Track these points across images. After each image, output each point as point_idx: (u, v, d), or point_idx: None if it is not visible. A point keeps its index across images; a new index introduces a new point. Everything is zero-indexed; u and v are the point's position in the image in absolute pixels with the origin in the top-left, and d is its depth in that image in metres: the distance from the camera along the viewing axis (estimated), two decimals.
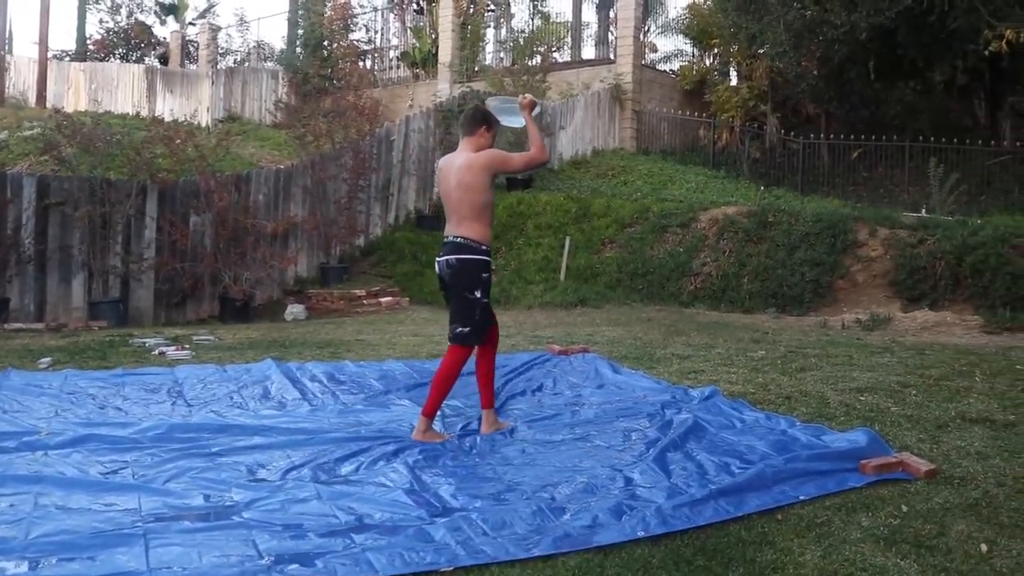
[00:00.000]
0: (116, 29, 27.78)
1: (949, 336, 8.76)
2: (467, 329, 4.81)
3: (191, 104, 21.66)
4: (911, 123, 17.09)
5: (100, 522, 3.41)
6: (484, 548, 3.20)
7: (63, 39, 62.01)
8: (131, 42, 27.65)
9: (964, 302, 10.09)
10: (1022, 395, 5.52)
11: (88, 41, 27.90)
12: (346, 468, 4.26)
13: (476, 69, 20.83)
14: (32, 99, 22.47)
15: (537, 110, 5.06)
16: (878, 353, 7.25)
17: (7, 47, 29.41)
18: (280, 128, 19.55)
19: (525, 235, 13.73)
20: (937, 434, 4.64)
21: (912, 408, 5.20)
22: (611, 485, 3.92)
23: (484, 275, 4.80)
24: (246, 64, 25.38)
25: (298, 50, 22.55)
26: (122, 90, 22.95)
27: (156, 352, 7.67)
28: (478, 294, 4.78)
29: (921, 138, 15.61)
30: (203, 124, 19.81)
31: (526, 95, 5.18)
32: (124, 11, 28.07)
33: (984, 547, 3.24)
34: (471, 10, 21.99)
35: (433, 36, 22.38)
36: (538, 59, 20.99)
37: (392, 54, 24.46)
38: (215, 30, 26.05)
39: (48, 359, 7.09)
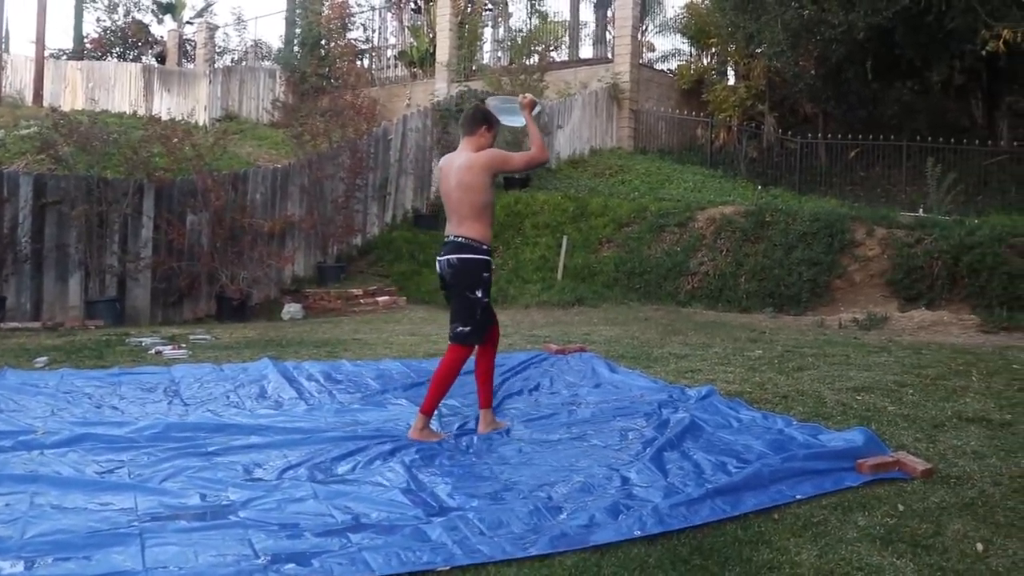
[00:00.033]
0: (113, 28, 27.74)
1: (946, 336, 8.77)
2: (468, 328, 4.81)
3: (188, 103, 21.64)
4: (908, 123, 17.11)
5: (96, 521, 3.41)
6: (481, 547, 3.20)
7: (60, 38, 61.92)
8: (128, 41, 27.61)
9: (961, 302, 10.10)
10: (1018, 394, 5.53)
11: (85, 40, 27.86)
12: (343, 467, 4.25)
13: (474, 68, 20.83)
14: (29, 98, 22.46)
15: (537, 110, 5.06)
16: (875, 352, 7.25)
17: (4, 46, 29.40)
18: (277, 127, 19.56)
19: (522, 234, 13.73)
20: (933, 433, 4.65)
21: (909, 407, 5.21)
22: (608, 484, 3.92)
23: (485, 274, 4.81)
24: (243, 63, 25.35)
25: (296, 49, 22.55)
26: (119, 89, 22.93)
27: (153, 351, 7.65)
28: (479, 293, 4.78)
29: (918, 138, 15.62)
30: (200, 123, 19.79)
31: (526, 95, 5.18)
32: (121, 10, 28.06)
33: (980, 546, 3.25)
34: (469, 9, 21.99)
35: (431, 35, 22.39)
36: (536, 58, 20.98)
37: (390, 53, 24.46)
38: (212, 29, 26.02)
39: (44, 358, 7.08)
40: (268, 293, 12.30)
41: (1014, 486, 3.84)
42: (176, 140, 12.10)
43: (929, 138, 15.37)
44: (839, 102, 17.87)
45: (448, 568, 3.06)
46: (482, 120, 4.95)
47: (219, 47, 26.12)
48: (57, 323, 9.78)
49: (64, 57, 26.96)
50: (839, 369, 6.43)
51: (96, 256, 10.61)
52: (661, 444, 4.41)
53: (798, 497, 3.74)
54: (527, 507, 3.62)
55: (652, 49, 23.45)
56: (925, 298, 10.30)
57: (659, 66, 22.50)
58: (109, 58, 26.48)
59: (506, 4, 24.52)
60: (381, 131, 14.92)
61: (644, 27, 22.10)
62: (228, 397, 5.80)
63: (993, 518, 3.51)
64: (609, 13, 23.52)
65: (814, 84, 17.70)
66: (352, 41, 23.73)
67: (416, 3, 24.54)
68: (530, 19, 24.60)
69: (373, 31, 24.97)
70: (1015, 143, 16.14)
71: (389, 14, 24.96)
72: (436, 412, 5.00)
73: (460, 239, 4.79)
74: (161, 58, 27.14)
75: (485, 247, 4.81)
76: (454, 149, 5.13)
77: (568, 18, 24.73)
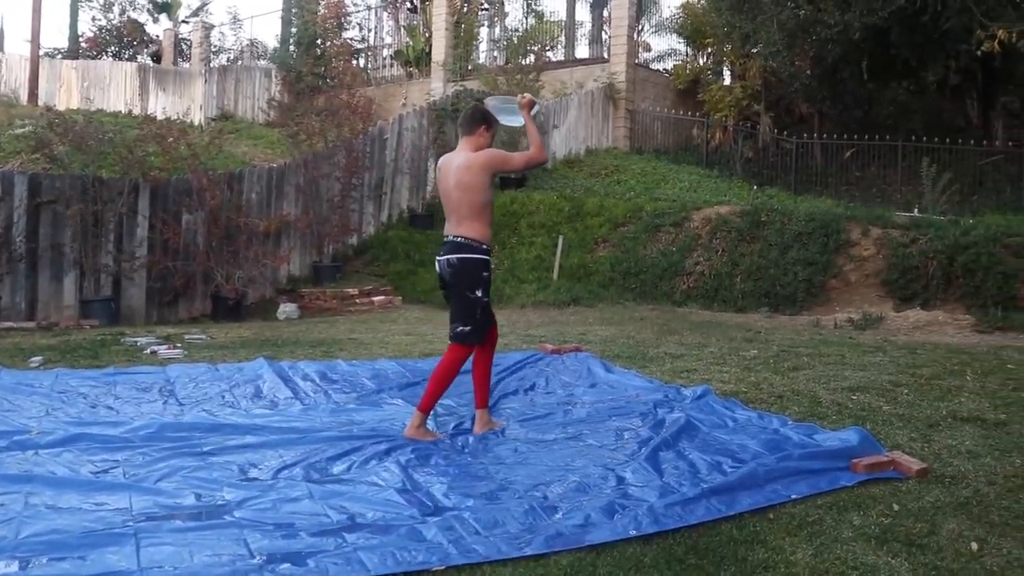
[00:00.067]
0: (109, 27, 27.67)
1: (941, 335, 8.79)
2: (468, 328, 4.82)
3: (184, 102, 21.61)
4: (904, 123, 17.14)
5: (91, 521, 3.40)
6: (476, 547, 3.20)
7: (55, 36, 61.93)
8: (124, 40, 27.54)
9: (956, 301, 10.12)
10: (1013, 394, 5.54)
11: (80, 39, 27.79)
12: (338, 467, 4.25)
13: (470, 68, 20.82)
14: (24, 97, 22.39)
15: (536, 109, 5.07)
16: (870, 352, 7.26)
17: None
18: (273, 126, 19.53)
19: (518, 234, 13.73)
20: (928, 433, 4.66)
21: (904, 407, 5.22)
22: (603, 484, 3.92)
23: (484, 274, 4.82)
24: (239, 62, 25.32)
25: (291, 48, 22.53)
26: (114, 88, 22.87)
27: (148, 351, 7.64)
28: (479, 293, 4.79)
29: (914, 138, 15.64)
30: (196, 122, 19.76)
31: (525, 95, 5.19)
32: (117, 9, 27.98)
33: (975, 545, 3.26)
34: (465, 9, 21.96)
35: (427, 35, 22.37)
36: (532, 58, 21.00)
37: (385, 53, 24.44)
38: (208, 28, 25.98)
39: (39, 358, 7.06)
40: (264, 293, 12.29)
41: (1008, 485, 3.85)
42: (171, 139, 12.08)
43: (924, 138, 15.39)
44: (835, 102, 17.90)
45: (443, 568, 3.06)
46: (481, 120, 4.96)
47: (215, 46, 26.09)
48: (52, 323, 9.76)
49: (59, 56, 26.88)
50: (834, 369, 6.44)
51: (91, 255, 10.60)
52: (657, 444, 4.41)
53: (793, 497, 3.75)
54: (523, 507, 3.62)
55: (648, 49, 23.48)
56: (920, 298, 10.32)
57: (655, 66, 22.52)
58: (104, 57, 26.41)
59: (502, 4, 24.50)
60: (377, 130, 14.91)
61: (640, 27, 22.12)
62: (223, 397, 5.79)
63: (988, 517, 3.51)
64: (605, 13, 23.54)
65: (810, 84, 17.72)
66: (348, 40, 23.70)
67: (412, 2, 24.51)
68: (526, 19, 24.62)
69: (369, 30, 24.97)
70: (1010, 143, 16.18)
71: (385, 13, 24.94)
72: (432, 412, 5.00)
73: (459, 239, 4.80)
74: (156, 57, 27.08)
75: (484, 247, 4.81)
76: (450, 149, 5.14)
77: (564, 18, 24.74)
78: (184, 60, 26.44)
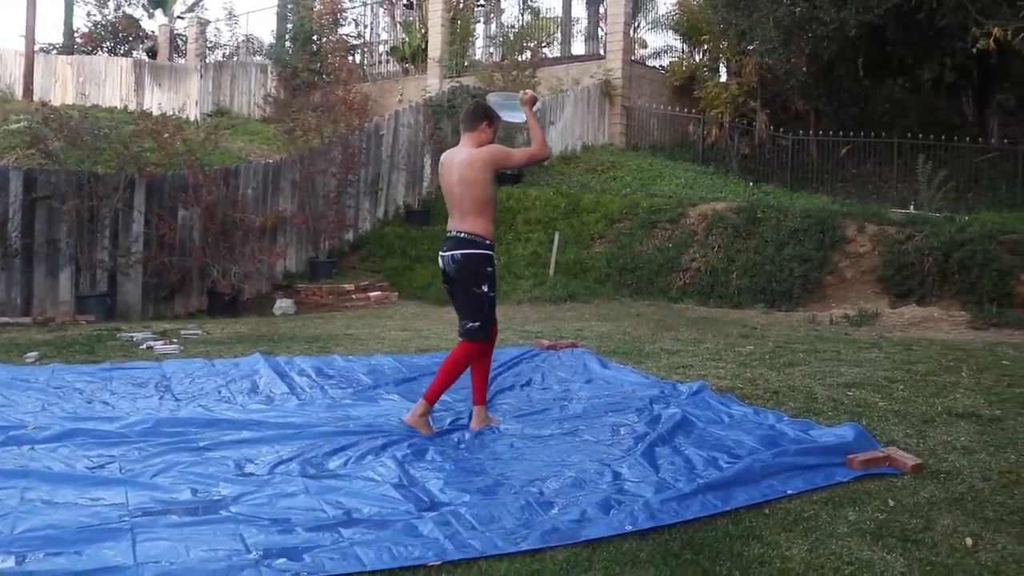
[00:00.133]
0: (104, 22, 27.60)
1: (936, 332, 8.81)
2: (477, 324, 4.84)
3: (179, 98, 21.55)
4: (900, 120, 17.15)
5: (87, 517, 3.40)
6: (472, 542, 3.20)
7: (50, 32, 61.72)
8: (119, 35, 27.47)
9: (951, 298, 10.14)
10: (1008, 390, 5.56)
11: (75, 34, 27.70)
12: (334, 462, 4.25)
13: (466, 64, 20.80)
14: (19, 92, 22.33)
15: (538, 106, 5.09)
16: (866, 348, 7.28)
17: None
18: (269, 122, 19.50)
19: (515, 230, 13.73)
20: (924, 429, 4.67)
21: (899, 403, 5.23)
22: (599, 479, 3.92)
23: (489, 269, 4.83)
24: (235, 58, 25.27)
25: (287, 44, 22.47)
26: (110, 84, 22.82)
27: (144, 346, 7.63)
28: (485, 288, 4.81)
29: (909, 135, 15.66)
30: (192, 118, 19.72)
31: (527, 91, 5.21)
32: (112, 4, 27.91)
33: (969, 541, 3.27)
34: (461, 5, 21.93)
35: (423, 31, 22.34)
36: (528, 54, 20.96)
37: (382, 49, 24.39)
38: (204, 24, 25.92)
39: (35, 353, 7.05)
40: (259, 288, 12.28)
41: (1003, 481, 3.87)
42: (167, 135, 12.05)
43: (920, 135, 15.40)
44: (831, 99, 17.91)
45: (439, 563, 3.06)
46: (483, 116, 4.97)
47: (210, 42, 26.03)
48: (48, 318, 9.74)
49: (54, 51, 26.79)
50: (830, 365, 6.45)
51: (87, 251, 10.57)
52: (652, 439, 4.41)
53: (789, 492, 3.75)
54: (519, 502, 3.62)
55: (644, 46, 23.47)
56: (916, 294, 10.34)
57: (651, 63, 22.52)
58: (99, 52, 26.35)
59: (498, 0, 24.49)
60: (373, 127, 14.90)
61: (636, 23, 22.12)
62: (219, 392, 5.78)
63: (982, 513, 3.53)
64: (601, 9, 23.47)
65: (806, 81, 17.74)
66: (344, 36, 23.64)
67: None
68: (522, 15, 24.56)
69: (365, 26, 24.92)
70: (1005, 140, 16.20)
71: (381, 9, 24.90)
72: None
73: (462, 234, 4.81)
74: (152, 53, 27.02)
75: (488, 242, 4.83)
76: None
77: (560, 14, 24.70)
78: (180, 56, 26.39)
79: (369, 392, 5.84)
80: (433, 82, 20.23)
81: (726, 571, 3.05)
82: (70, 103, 19.53)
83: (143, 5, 28.76)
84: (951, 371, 6.18)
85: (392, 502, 3.67)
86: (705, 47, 21.20)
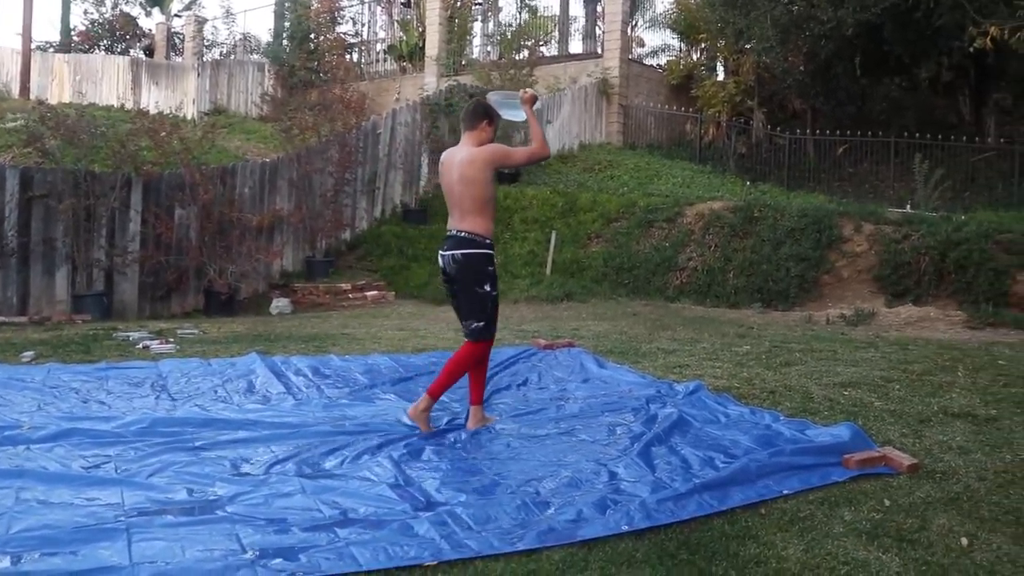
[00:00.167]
0: (101, 20, 27.57)
1: (932, 331, 8.82)
2: (481, 323, 4.84)
3: (176, 96, 21.53)
4: (896, 119, 17.18)
5: (82, 516, 3.39)
6: (468, 542, 3.21)
7: (47, 30, 61.50)
8: (116, 34, 27.44)
9: (948, 297, 10.15)
10: (1004, 390, 5.57)
11: (72, 32, 27.68)
12: (330, 462, 4.25)
13: (463, 63, 20.79)
14: (15, 90, 22.33)
15: (538, 105, 5.08)
16: (862, 348, 7.29)
17: None
18: (266, 121, 19.45)
19: (512, 229, 13.72)
20: (920, 429, 4.67)
21: (895, 403, 5.24)
22: (596, 479, 3.92)
23: (489, 268, 4.83)
24: (232, 57, 25.23)
25: (284, 43, 22.42)
26: (107, 82, 22.80)
27: (140, 346, 7.63)
28: (487, 287, 4.81)
29: (906, 134, 15.68)
30: (189, 117, 19.70)
31: (527, 90, 5.20)
32: (109, 2, 27.89)
33: (965, 541, 3.27)
34: (458, 3, 21.92)
35: (420, 29, 22.31)
36: (525, 53, 20.95)
37: (379, 47, 24.37)
38: (201, 22, 25.89)
39: (31, 353, 7.04)
40: (256, 287, 12.26)
41: (999, 481, 3.87)
42: (164, 134, 12.02)
43: (917, 134, 15.42)
44: (828, 98, 17.92)
45: (435, 563, 3.06)
46: (483, 115, 4.96)
47: (207, 40, 26.00)
48: (44, 317, 9.72)
49: (51, 50, 26.76)
50: (826, 364, 6.46)
51: (83, 250, 10.56)
52: (649, 439, 4.42)
53: (785, 492, 3.76)
54: (515, 502, 3.62)
55: (642, 44, 23.44)
56: (912, 294, 10.35)
57: (648, 61, 22.52)
58: (97, 51, 26.32)
59: None
60: (370, 125, 14.88)
61: (634, 22, 22.11)
62: (216, 392, 5.78)
63: (978, 513, 3.53)
64: (599, 8, 23.48)
65: (803, 80, 17.75)
66: (341, 35, 23.61)
67: None
68: (520, 13, 24.55)
69: (362, 25, 24.88)
70: (1002, 140, 16.22)
71: (379, 8, 24.87)
72: None
73: (462, 234, 4.80)
74: (149, 51, 26.99)
75: (488, 241, 4.83)
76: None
77: (558, 13, 24.72)
78: (177, 54, 26.36)
79: (366, 392, 5.83)
80: (430, 81, 20.22)
81: (722, 571, 3.06)
82: (67, 101, 19.52)
83: (140, 3, 28.75)
84: (947, 371, 6.19)
85: (388, 502, 3.67)
86: (702, 46, 21.21)
